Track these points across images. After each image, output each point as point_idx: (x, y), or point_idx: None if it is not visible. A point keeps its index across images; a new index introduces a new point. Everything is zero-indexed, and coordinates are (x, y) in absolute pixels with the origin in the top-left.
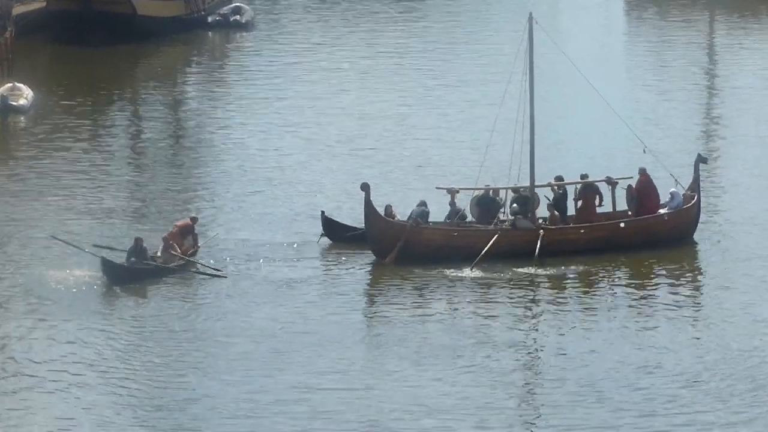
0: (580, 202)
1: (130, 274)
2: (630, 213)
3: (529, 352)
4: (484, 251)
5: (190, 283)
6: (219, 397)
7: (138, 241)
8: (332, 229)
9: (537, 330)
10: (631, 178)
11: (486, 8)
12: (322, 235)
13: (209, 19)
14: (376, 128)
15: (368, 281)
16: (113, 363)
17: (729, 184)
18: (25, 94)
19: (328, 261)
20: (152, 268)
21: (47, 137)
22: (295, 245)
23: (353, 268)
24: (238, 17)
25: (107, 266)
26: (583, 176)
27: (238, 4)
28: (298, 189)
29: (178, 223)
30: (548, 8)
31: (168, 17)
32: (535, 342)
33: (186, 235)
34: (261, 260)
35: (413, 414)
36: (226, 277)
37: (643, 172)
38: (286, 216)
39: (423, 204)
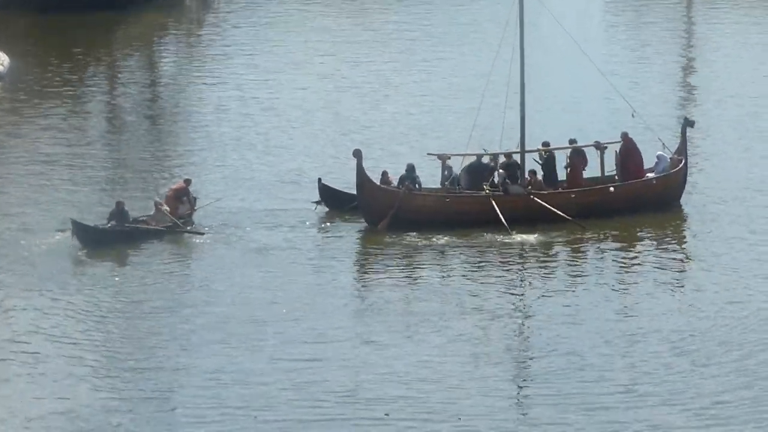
0: (569, 168)
1: (104, 237)
2: (617, 177)
3: (515, 320)
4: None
5: (171, 247)
6: (194, 366)
7: (119, 204)
8: (330, 196)
9: (525, 297)
10: (620, 142)
11: None
12: (318, 202)
13: None
14: (361, 94)
15: (359, 248)
16: (84, 331)
17: (713, 148)
18: (1, 61)
19: (319, 228)
20: (129, 230)
21: (25, 104)
22: (284, 212)
23: (345, 235)
24: None
25: (79, 228)
26: (572, 141)
27: None
28: (283, 155)
29: (173, 186)
30: None
31: None
32: (522, 309)
33: (181, 197)
34: (248, 227)
35: (395, 383)
36: (203, 233)
37: (625, 136)
38: (272, 182)
39: (411, 168)
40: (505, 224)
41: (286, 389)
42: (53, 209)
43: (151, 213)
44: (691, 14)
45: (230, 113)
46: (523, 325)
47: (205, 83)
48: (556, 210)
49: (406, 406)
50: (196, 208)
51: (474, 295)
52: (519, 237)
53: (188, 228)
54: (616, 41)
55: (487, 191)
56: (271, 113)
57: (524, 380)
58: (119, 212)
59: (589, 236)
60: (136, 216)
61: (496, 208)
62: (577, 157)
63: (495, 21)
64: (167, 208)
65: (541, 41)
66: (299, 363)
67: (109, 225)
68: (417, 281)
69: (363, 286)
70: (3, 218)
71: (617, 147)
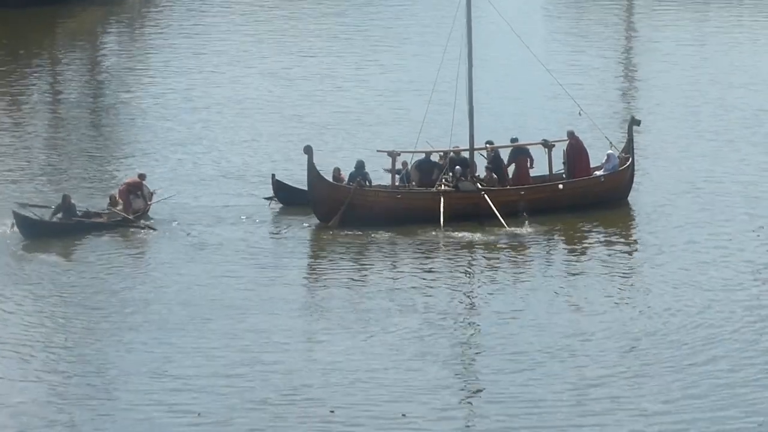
0: (513, 166)
1: (47, 229)
2: (565, 175)
3: (463, 318)
4: (441, 213)
5: (117, 242)
6: (137, 365)
7: (66, 198)
8: (283, 192)
9: (473, 295)
10: (567, 140)
11: None
12: (272, 198)
13: None
14: (307, 90)
15: (310, 245)
16: (23, 328)
17: (657, 146)
18: None
19: (270, 224)
20: (74, 223)
21: None
22: (233, 208)
23: (295, 232)
24: None
25: (21, 220)
26: (513, 140)
27: None
28: (230, 151)
29: (127, 180)
30: None
31: None
32: (470, 307)
33: (135, 191)
34: (196, 223)
35: (341, 380)
36: (155, 230)
37: (571, 134)
38: (219, 178)
39: (361, 165)
40: (441, 221)
41: (230, 387)
42: None
43: (105, 207)
44: (630, 14)
45: (174, 108)
46: (471, 323)
47: (148, 78)
48: (498, 214)
49: (351, 404)
50: (151, 202)
51: (422, 293)
52: (467, 234)
53: (135, 223)
54: (555, 40)
55: (444, 186)
56: (216, 108)
57: (470, 379)
58: (66, 206)
59: (538, 233)
60: (90, 210)
61: (441, 205)
62: (521, 155)
63: (442, 18)
64: (121, 202)
65: (484, 39)
66: (243, 360)
67: (55, 218)
68: (366, 278)
69: (311, 283)
70: None
71: (564, 145)
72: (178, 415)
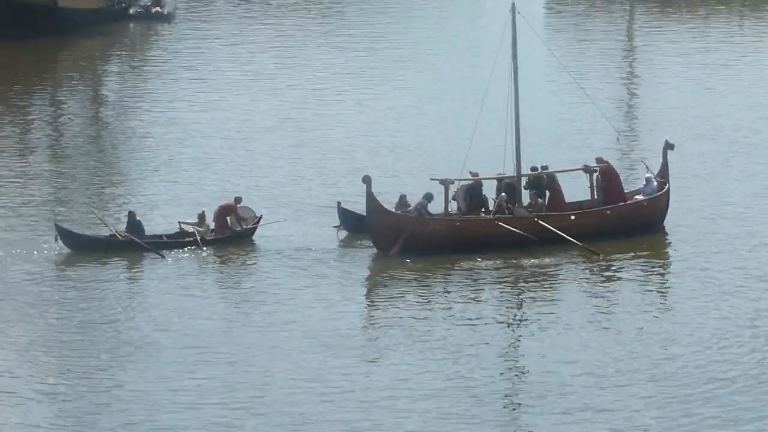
0: (547, 193)
1: (91, 244)
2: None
3: (507, 354)
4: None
5: (162, 262)
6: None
7: (131, 215)
8: (349, 220)
9: (525, 333)
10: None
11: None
12: (338, 227)
13: (130, 10)
14: (333, 115)
15: (368, 274)
16: (48, 349)
17: (685, 168)
18: None
19: (329, 253)
20: (122, 240)
21: None
22: (291, 236)
23: (354, 261)
24: (159, 9)
25: (63, 233)
26: (544, 167)
27: None
28: (266, 176)
29: (222, 203)
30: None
31: (89, 9)
32: (520, 346)
33: (227, 214)
34: (251, 250)
35: (380, 410)
36: (163, 257)
37: (600, 160)
38: (263, 203)
39: (429, 196)
40: (533, 238)
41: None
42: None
43: (180, 225)
44: (632, 33)
45: (173, 138)
46: (516, 358)
47: (148, 109)
48: (565, 235)
49: None
50: (251, 225)
51: (474, 325)
52: (522, 261)
53: (155, 249)
54: (552, 63)
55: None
56: (218, 137)
57: (506, 414)
58: (132, 223)
59: (589, 261)
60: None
61: (511, 228)
62: (553, 182)
63: (482, 41)
64: (211, 224)
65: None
66: (291, 391)
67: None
68: (422, 308)
69: (368, 314)
70: None
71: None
72: None
